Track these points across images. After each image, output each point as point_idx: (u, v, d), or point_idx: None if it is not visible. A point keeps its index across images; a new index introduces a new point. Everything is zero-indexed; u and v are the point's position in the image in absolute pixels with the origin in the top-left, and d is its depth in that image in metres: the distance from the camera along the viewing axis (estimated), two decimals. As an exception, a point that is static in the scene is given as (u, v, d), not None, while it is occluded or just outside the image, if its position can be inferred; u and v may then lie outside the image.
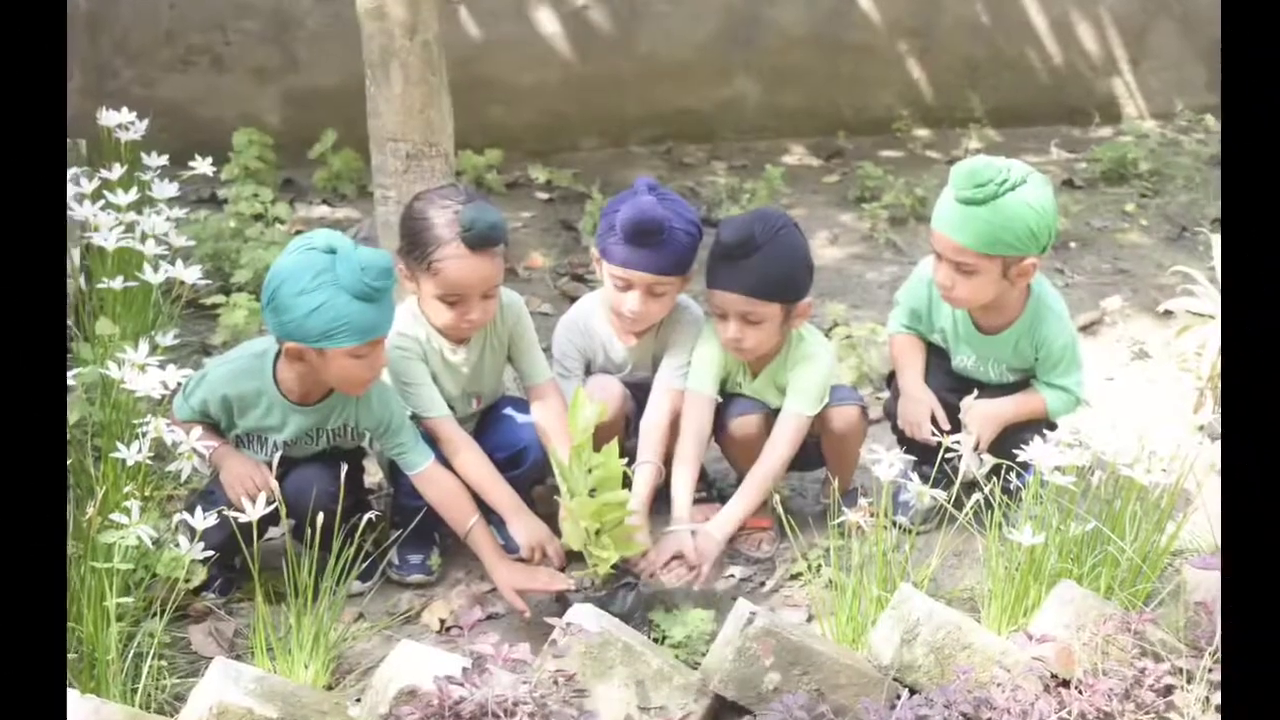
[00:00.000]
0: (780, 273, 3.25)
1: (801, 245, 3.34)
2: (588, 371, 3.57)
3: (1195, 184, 6.20)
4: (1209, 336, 4.16)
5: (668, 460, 3.40)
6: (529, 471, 3.39)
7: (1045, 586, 2.96)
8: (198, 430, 2.94)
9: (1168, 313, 4.71)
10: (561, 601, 3.08)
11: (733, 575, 3.43)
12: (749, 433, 3.42)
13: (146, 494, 3.07)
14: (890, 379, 3.69)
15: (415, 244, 3.15)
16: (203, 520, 2.74)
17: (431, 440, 3.24)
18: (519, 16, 6.30)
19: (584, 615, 2.74)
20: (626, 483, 3.07)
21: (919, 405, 3.43)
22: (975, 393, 3.33)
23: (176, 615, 2.92)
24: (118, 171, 3.89)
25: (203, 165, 4.17)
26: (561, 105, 6.45)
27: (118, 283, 3.52)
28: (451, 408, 3.30)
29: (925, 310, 3.51)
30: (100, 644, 2.66)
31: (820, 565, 3.36)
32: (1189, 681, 2.72)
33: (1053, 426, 3.24)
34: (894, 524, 3.20)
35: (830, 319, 4.66)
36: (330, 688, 2.89)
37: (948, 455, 3.06)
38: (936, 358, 3.56)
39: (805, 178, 6.36)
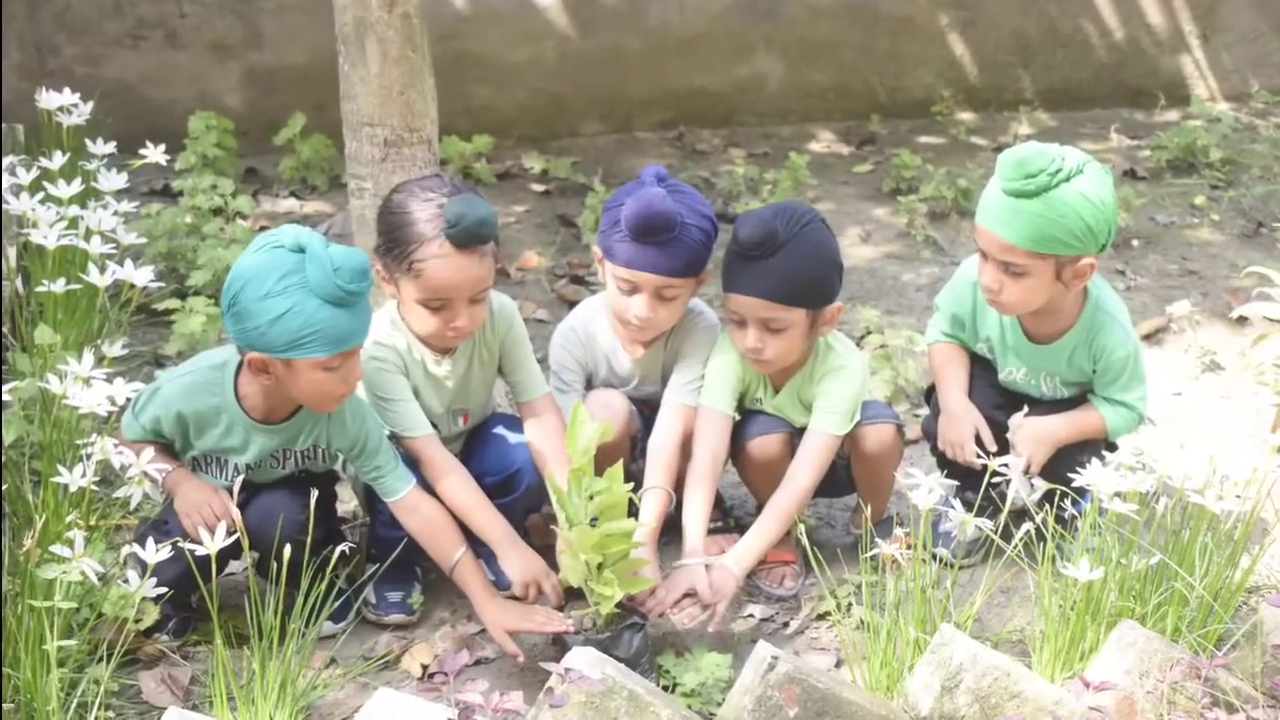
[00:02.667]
0: (805, 274, 3.26)
1: (829, 243, 3.35)
2: (589, 386, 3.58)
3: (1273, 174, 6.21)
4: (1289, 346, 4.17)
5: (679, 485, 3.40)
6: (522, 498, 3.40)
7: (1104, 627, 2.96)
8: (149, 451, 2.95)
9: (1242, 319, 4.72)
10: (559, 644, 3.08)
11: (752, 615, 3.44)
12: (770, 454, 3.43)
13: (92, 523, 3.08)
14: (929, 394, 3.70)
15: (394, 242, 3.16)
16: (155, 553, 2.74)
17: (413, 463, 3.24)
18: (511, -14, 6.33)
19: (584, 660, 2.74)
20: (632, 511, 3.07)
21: (962, 423, 3.44)
22: (1025, 409, 3.34)
23: (125, 660, 2.92)
24: (59, 160, 3.91)
25: (155, 153, 4.18)
26: (559, 85, 6.47)
27: (59, 285, 3.53)
28: (435, 426, 3.31)
29: (969, 316, 3.52)
30: (39, 692, 2.67)
31: (850, 604, 3.36)
32: (1267, 735, 2.73)
33: (1113, 447, 3.24)
34: (934, 557, 3.20)
35: (862, 326, 4.66)
36: (298, 741, 2.90)
37: (994, 480, 3.07)
38: (981, 370, 3.56)
39: (834, 167, 6.38)
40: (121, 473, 2.92)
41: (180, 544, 2.80)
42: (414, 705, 2.69)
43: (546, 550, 3.29)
